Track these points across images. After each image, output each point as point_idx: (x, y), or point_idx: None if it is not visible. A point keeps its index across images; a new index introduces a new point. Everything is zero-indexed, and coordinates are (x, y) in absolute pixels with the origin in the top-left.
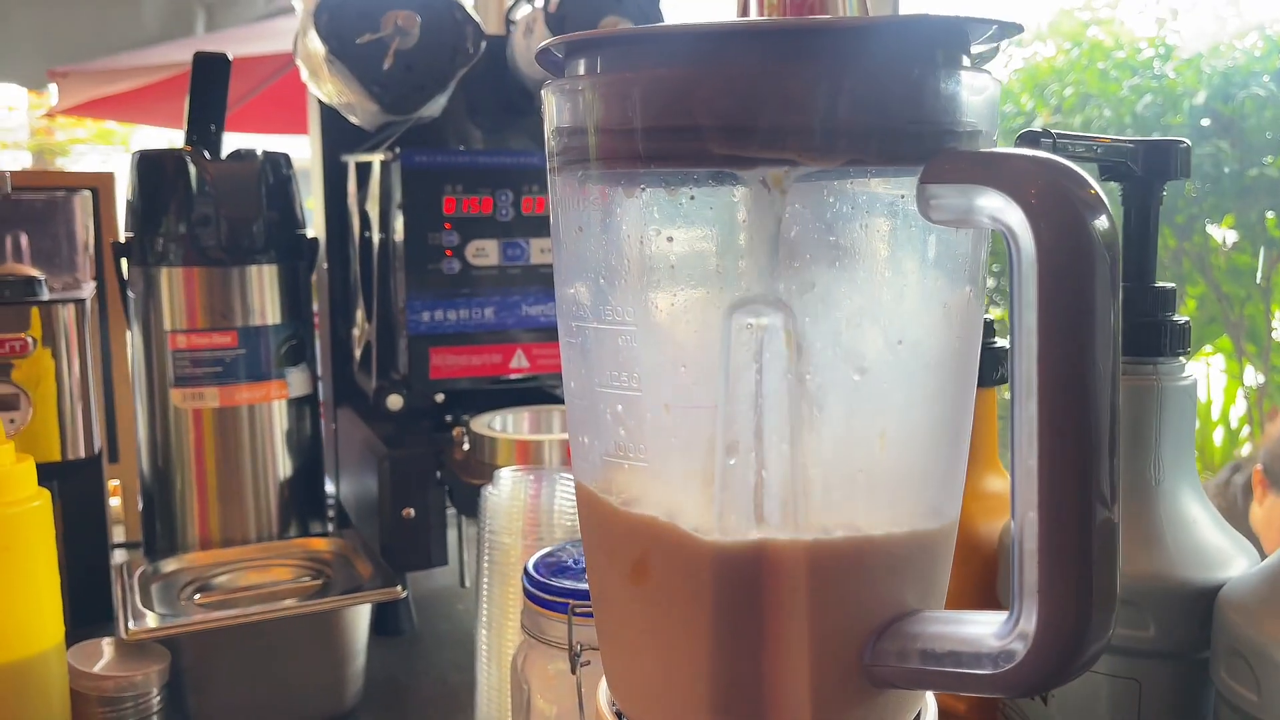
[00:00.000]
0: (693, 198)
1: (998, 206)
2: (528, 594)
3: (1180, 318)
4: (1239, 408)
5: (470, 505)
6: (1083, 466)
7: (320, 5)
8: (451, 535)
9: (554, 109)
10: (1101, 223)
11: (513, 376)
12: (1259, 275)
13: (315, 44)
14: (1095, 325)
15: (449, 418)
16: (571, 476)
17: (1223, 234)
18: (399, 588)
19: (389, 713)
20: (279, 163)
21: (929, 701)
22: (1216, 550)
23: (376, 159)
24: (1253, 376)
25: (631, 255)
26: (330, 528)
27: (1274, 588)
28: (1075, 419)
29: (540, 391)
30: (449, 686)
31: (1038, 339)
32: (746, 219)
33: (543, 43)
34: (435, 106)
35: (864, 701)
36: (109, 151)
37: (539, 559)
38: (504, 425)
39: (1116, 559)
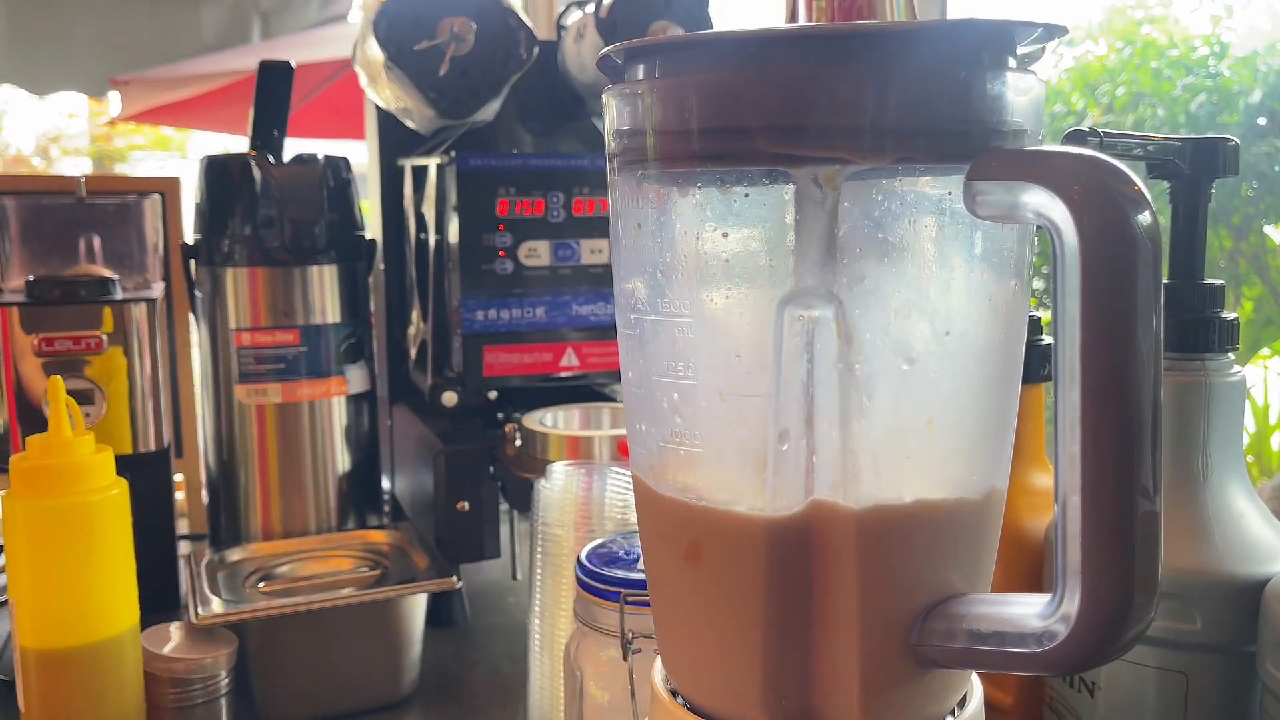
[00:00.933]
0: (747, 195)
1: (1042, 202)
2: (581, 583)
3: (1229, 314)
4: None
5: (523, 499)
6: (1124, 451)
7: (379, 13)
8: (503, 529)
9: (614, 112)
10: (1144, 218)
11: (563, 374)
12: None
13: (374, 51)
14: (1137, 317)
15: (500, 415)
16: (623, 471)
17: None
18: (454, 578)
19: (444, 702)
20: (339, 167)
21: (974, 685)
22: (1264, 544)
23: (433, 162)
24: None
25: (688, 251)
26: (386, 521)
27: None
28: (1117, 407)
29: (589, 389)
30: (502, 677)
31: (1080, 329)
32: (799, 215)
33: (603, 49)
34: (489, 111)
35: (910, 682)
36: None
37: (591, 550)
38: (555, 422)
39: (1158, 544)
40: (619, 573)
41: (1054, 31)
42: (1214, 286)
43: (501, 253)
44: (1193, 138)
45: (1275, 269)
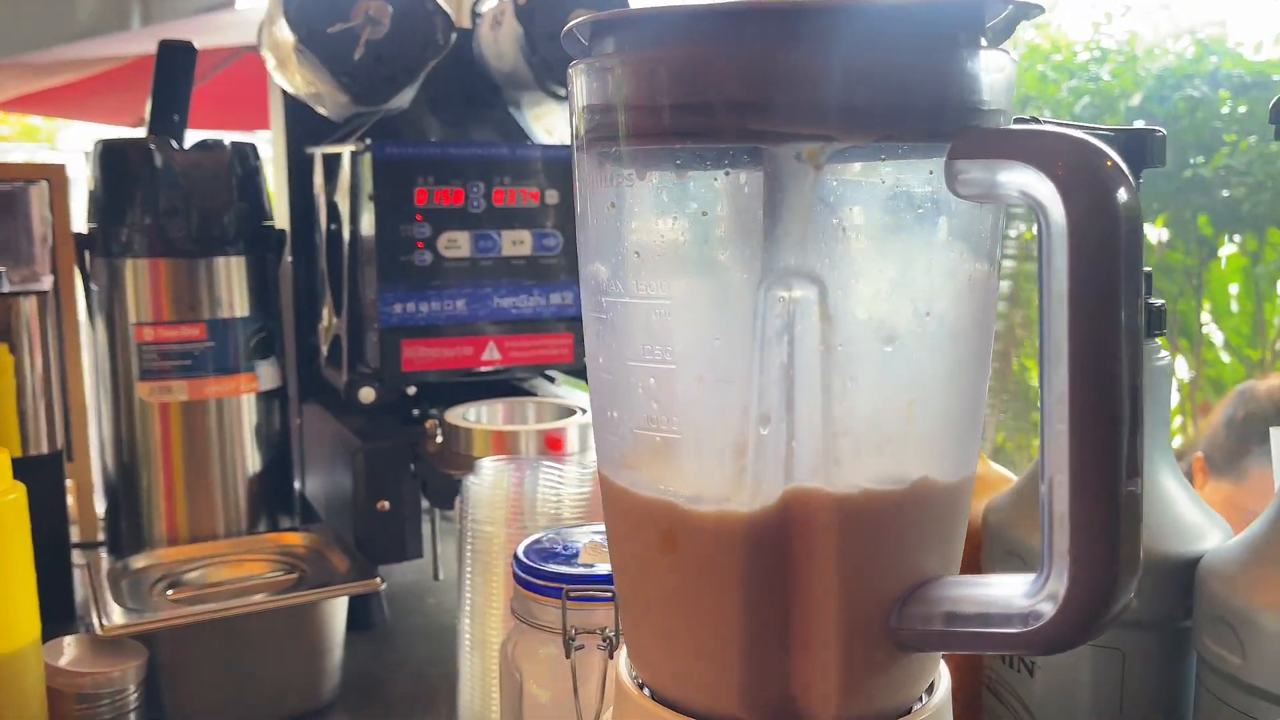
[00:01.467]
0: (727, 173)
1: (1027, 180)
2: (519, 580)
3: (1156, 300)
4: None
5: (445, 497)
6: (1110, 429)
7: None
8: (424, 528)
9: (583, 88)
10: (1125, 194)
11: (484, 369)
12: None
13: (284, 33)
14: (1122, 293)
15: (416, 411)
16: (554, 465)
17: (1157, 233)
18: (377, 580)
19: (367, 707)
20: (246, 153)
21: (942, 671)
22: (1194, 525)
23: (346, 150)
24: (1185, 370)
25: (666, 230)
26: (298, 523)
27: (1255, 556)
28: (1104, 384)
29: (507, 384)
30: (427, 680)
31: (1068, 307)
32: (781, 194)
33: (571, 21)
34: (404, 98)
35: (888, 668)
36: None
37: (528, 546)
38: (478, 417)
39: (1140, 524)
40: (559, 568)
41: (1028, 10)
42: (1144, 274)
43: (420, 244)
44: (1124, 129)
45: (1152, 265)
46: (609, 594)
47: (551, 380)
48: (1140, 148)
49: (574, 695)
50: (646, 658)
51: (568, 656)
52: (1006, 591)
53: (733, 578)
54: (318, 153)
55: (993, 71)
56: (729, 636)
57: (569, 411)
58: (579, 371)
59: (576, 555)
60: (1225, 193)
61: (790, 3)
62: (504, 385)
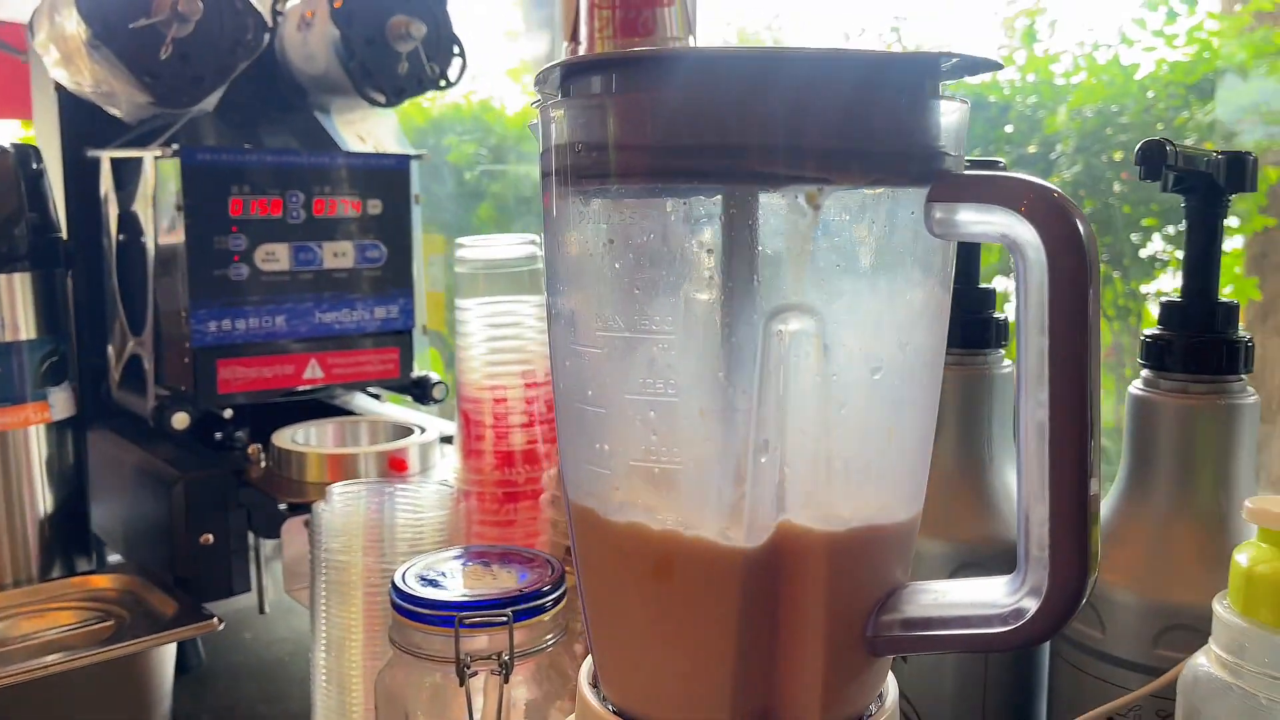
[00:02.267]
0: (731, 213)
1: (1005, 221)
2: (401, 610)
3: (1000, 315)
4: None
5: (270, 527)
6: (1084, 445)
7: None
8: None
9: (571, 125)
10: (1084, 229)
11: (305, 388)
12: None
13: (72, 26)
14: (1092, 317)
15: (219, 435)
16: (409, 487)
17: None
18: (214, 619)
19: None
20: (28, 156)
21: (890, 679)
22: None
23: (148, 155)
24: None
25: (671, 266)
26: (93, 564)
27: (1105, 538)
28: (1081, 404)
29: (321, 404)
30: (262, 719)
31: (1049, 336)
32: (783, 232)
33: (563, 60)
34: (210, 101)
35: (861, 675)
36: None
37: (403, 575)
38: (307, 439)
39: (1099, 524)
40: (447, 596)
41: (987, 65)
42: (989, 290)
43: (235, 257)
44: (1224, 150)
45: None
46: (504, 618)
47: (377, 397)
48: (1239, 170)
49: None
50: (623, 680)
51: (461, 684)
52: (988, 593)
53: (726, 603)
54: (105, 156)
55: (956, 117)
56: (718, 657)
57: (406, 430)
58: (404, 388)
59: (454, 581)
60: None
61: (799, 51)
62: (318, 405)
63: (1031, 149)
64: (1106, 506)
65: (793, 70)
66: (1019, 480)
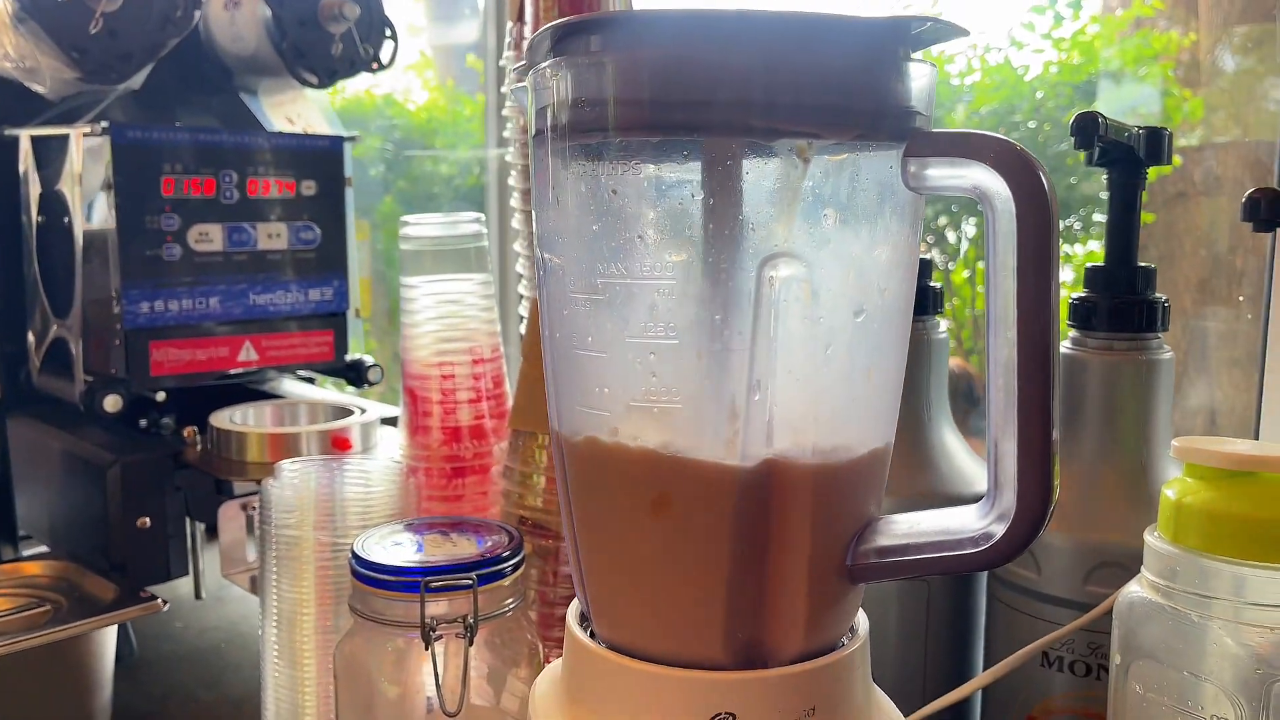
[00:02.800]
0: (729, 163)
1: (977, 175)
2: (363, 578)
3: (936, 283)
4: None
5: (206, 510)
6: (1048, 380)
7: None
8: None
9: (570, 82)
10: (1047, 182)
11: (239, 370)
12: None
13: None
14: (1054, 260)
15: (144, 421)
16: (358, 463)
17: None
18: (158, 601)
19: None
20: None
21: (861, 614)
22: (969, 470)
23: (74, 133)
24: None
25: (672, 217)
26: (19, 550)
27: None
28: (1044, 343)
29: (246, 390)
30: (204, 705)
31: (1016, 279)
32: (776, 184)
33: (561, 21)
34: (138, 79)
35: (840, 602)
36: None
37: (364, 543)
38: (245, 421)
39: (1058, 456)
40: (412, 560)
41: (954, 31)
42: (926, 261)
43: (169, 237)
44: (1143, 126)
45: None
46: (468, 582)
47: (310, 381)
48: (1157, 144)
49: (436, 686)
50: (616, 615)
51: (428, 648)
52: (958, 520)
53: (719, 532)
54: (24, 134)
55: (927, 79)
56: (710, 587)
57: (345, 411)
58: (339, 371)
59: (412, 550)
60: None
61: (793, 14)
62: (245, 391)
63: None
64: None
65: (785, 31)
66: (988, 414)
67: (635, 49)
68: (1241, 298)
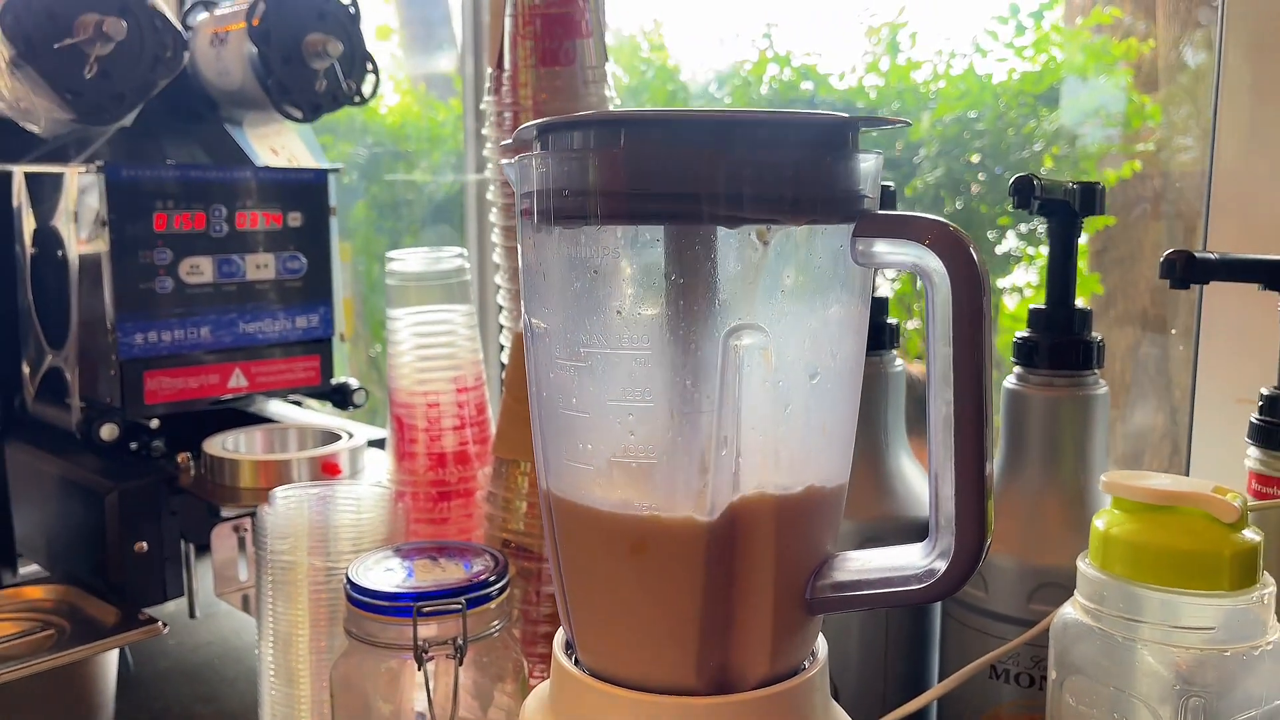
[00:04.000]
0: (696, 248)
1: (917, 253)
2: (358, 603)
3: (892, 320)
4: None
5: (201, 533)
6: (982, 433)
7: (5, 5)
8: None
9: (554, 174)
10: (978, 257)
11: (230, 397)
12: None
13: None
14: (986, 329)
15: (134, 445)
16: (350, 489)
17: None
18: (159, 624)
19: None
20: None
21: (821, 639)
22: (925, 494)
23: (71, 172)
24: None
25: (647, 293)
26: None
27: None
28: (979, 399)
29: (236, 413)
30: (201, 719)
31: (953, 345)
32: (739, 264)
33: (539, 123)
34: (130, 117)
35: (800, 631)
36: None
37: (356, 569)
38: (237, 447)
39: (993, 499)
40: (404, 586)
41: (895, 124)
42: (882, 300)
43: (161, 270)
44: (1079, 181)
45: None
46: (458, 606)
47: (298, 404)
48: (1090, 197)
49: (428, 704)
50: (598, 646)
51: (420, 668)
52: (905, 558)
53: (691, 574)
54: (18, 170)
55: (872, 167)
56: (684, 621)
57: (333, 435)
58: (325, 394)
59: (403, 575)
60: None
61: (753, 117)
62: (235, 414)
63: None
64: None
65: (747, 132)
66: (930, 463)
67: (613, 148)
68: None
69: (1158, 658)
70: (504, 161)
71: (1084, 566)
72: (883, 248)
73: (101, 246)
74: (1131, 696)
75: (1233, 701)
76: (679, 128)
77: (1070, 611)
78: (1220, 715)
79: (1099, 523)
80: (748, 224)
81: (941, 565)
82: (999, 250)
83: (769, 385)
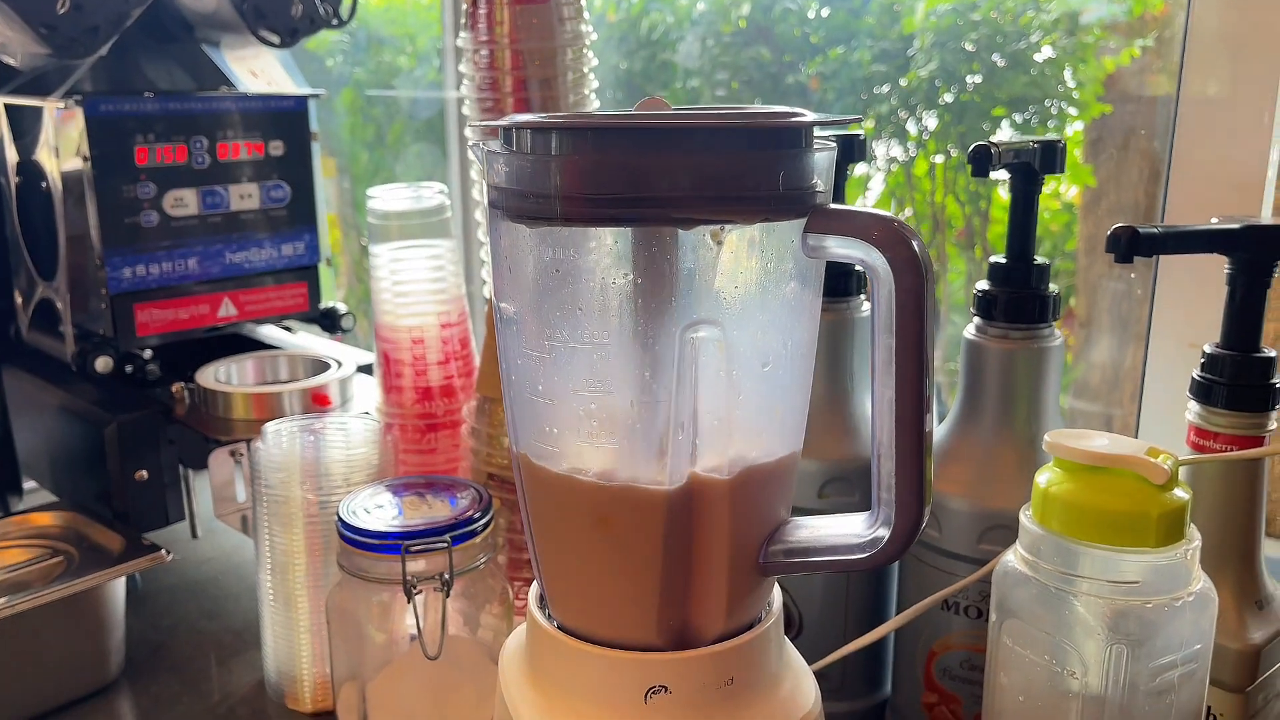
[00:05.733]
0: (654, 248)
1: (865, 250)
2: (350, 541)
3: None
4: None
5: (198, 458)
6: (923, 418)
7: None
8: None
9: (519, 174)
10: (922, 249)
11: (220, 325)
12: None
13: None
14: (927, 321)
15: (129, 368)
16: (340, 423)
17: None
18: (164, 551)
19: (159, 672)
20: None
21: (776, 589)
22: None
23: (49, 105)
24: None
25: (607, 291)
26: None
27: (943, 454)
28: (920, 387)
29: (238, 338)
30: (206, 635)
31: (896, 336)
32: (694, 262)
33: (514, 120)
34: (105, 48)
35: (755, 590)
36: None
37: (348, 507)
38: (228, 376)
39: (931, 472)
40: (393, 525)
41: (847, 124)
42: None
43: (145, 204)
44: (1039, 139)
45: None
46: (444, 543)
47: (288, 329)
48: (1051, 155)
49: (418, 633)
50: (568, 604)
51: (409, 602)
52: (848, 529)
53: (652, 540)
54: None
55: (827, 160)
56: (645, 583)
57: (323, 364)
58: (315, 319)
59: (393, 512)
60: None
61: (708, 124)
62: (235, 339)
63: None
64: (944, 430)
65: (702, 138)
66: (873, 444)
67: (578, 154)
68: None
69: (1088, 608)
70: (471, 144)
71: (1025, 519)
72: (831, 242)
73: (85, 182)
74: (1063, 641)
75: (1154, 647)
76: (638, 135)
77: (1010, 560)
78: (1143, 660)
79: (1041, 479)
80: (701, 225)
81: (885, 533)
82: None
83: (723, 374)
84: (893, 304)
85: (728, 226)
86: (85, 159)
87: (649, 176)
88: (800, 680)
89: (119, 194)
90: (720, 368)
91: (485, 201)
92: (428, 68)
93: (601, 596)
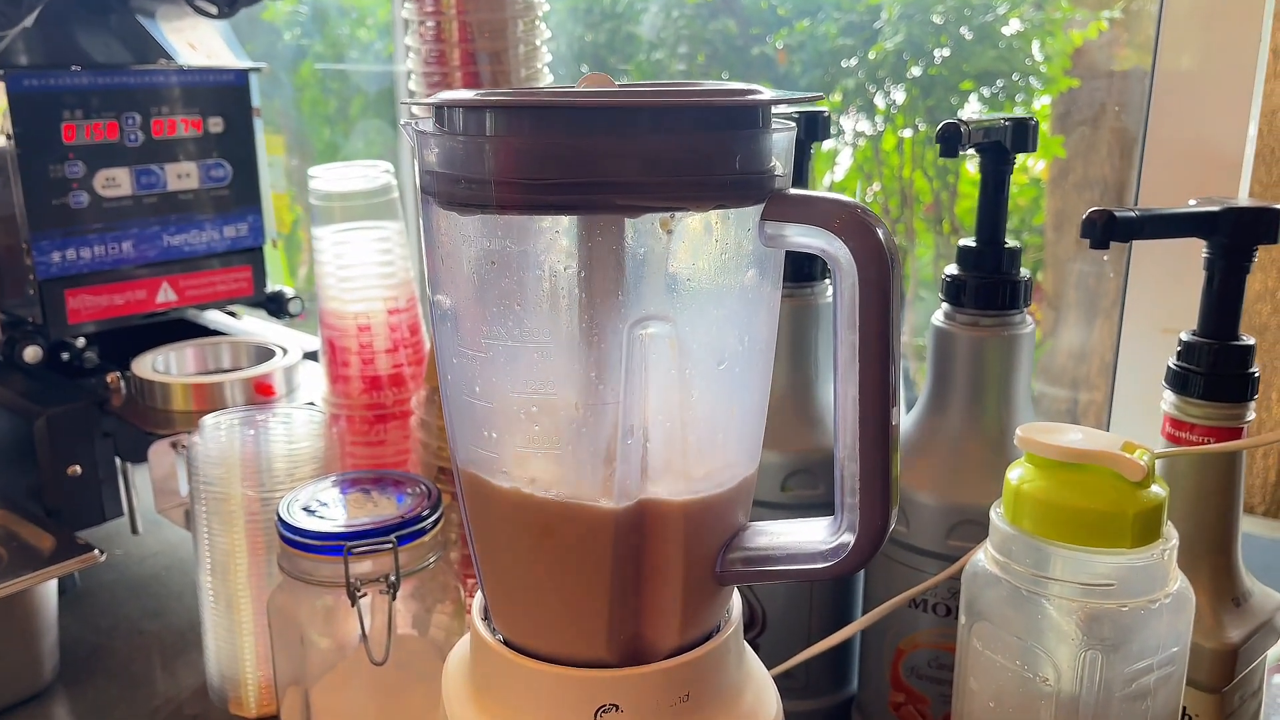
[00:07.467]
0: (599, 238)
1: (826, 239)
2: (289, 542)
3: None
4: None
5: (137, 451)
6: (888, 417)
7: None
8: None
9: (451, 157)
10: (888, 238)
11: (159, 311)
12: None
13: None
14: (893, 314)
15: (66, 356)
16: (283, 415)
17: None
18: (96, 552)
19: (95, 676)
20: None
21: (736, 597)
22: None
23: None
24: None
25: (548, 284)
26: None
27: (910, 449)
28: (884, 387)
29: (181, 323)
30: (147, 637)
31: (859, 332)
32: (643, 253)
33: (444, 98)
34: (31, 18)
35: (712, 600)
36: None
37: (288, 506)
38: (167, 365)
39: (898, 479)
40: (333, 526)
41: (809, 101)
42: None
43: (74, 184)
44: (1010, 117)
45: None
46: (389, 544)
47: (233, 314)
48: (1022, 134)
49: (363, 638)
50: (512, 618)
51: (354, 605)
52: (810, 535)
53: (599, 557)
54: None
55: (786, 142)
56: (594, 599)
57: (267, 351)
58: (260, 304)
59: (337, 510)
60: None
61: (656, 103)
62: (179, 326)
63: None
64: (911, 421)
65: (649, 119)
66: (836, 445)
67: (513, 135)
68: None
69: (1060, 611)
70: (402, 123)
71: (995, 518)
72: (790, 230)
73: (8, 161)
74: (1035, 646)
75: (1129, 652)
76: (578, 115)
77: (980, 559)
78: (1118, 665)
79: (1012, 476)
80: (649, 213)
81: (849, 539)
82: (961, 115)
83: (675, 374)
84: (856, 297)
85: (678, 214)
86: (8, 137)
87: (592, 160)
88: (761, 691)
89: (46, 174)
90: (672, 367)
91: (417, 185)
92: (389, 40)
93: (546, 611)
